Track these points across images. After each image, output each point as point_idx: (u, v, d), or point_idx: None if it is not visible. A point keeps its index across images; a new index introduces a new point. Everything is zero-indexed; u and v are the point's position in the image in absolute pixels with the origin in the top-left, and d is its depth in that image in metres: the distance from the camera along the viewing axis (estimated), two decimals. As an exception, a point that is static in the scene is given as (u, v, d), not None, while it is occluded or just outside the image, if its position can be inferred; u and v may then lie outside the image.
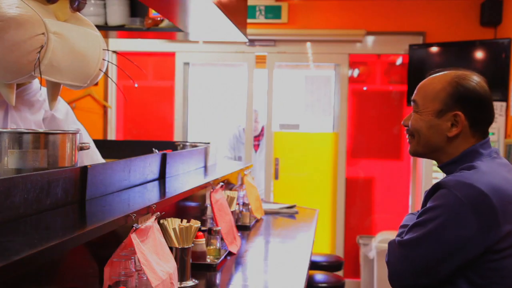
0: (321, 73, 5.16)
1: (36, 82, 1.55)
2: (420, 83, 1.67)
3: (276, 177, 4.97)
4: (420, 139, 1.62)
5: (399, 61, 4.89)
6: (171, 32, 3.21)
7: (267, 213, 3.14)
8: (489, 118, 1.60)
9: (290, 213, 3.26)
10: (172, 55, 5.02)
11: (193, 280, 1.64)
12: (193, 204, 2.28)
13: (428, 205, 1.50)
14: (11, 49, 1.26)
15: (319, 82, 4.98)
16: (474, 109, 1.56)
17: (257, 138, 5.10)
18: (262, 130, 5.09)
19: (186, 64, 5.08)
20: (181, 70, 5.00)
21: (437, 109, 1.57)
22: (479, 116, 1.57)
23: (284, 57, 4.97)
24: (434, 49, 4.56)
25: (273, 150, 4.96)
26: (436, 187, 1.51)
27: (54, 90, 1.44)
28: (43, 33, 1.29)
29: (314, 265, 3.35)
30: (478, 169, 1.49)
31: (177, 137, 5.02)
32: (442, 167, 1.64)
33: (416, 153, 1.67)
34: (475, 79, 1.59)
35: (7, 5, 1.27)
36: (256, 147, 5.10)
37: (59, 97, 1.50)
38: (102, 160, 1.75)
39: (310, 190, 4.97)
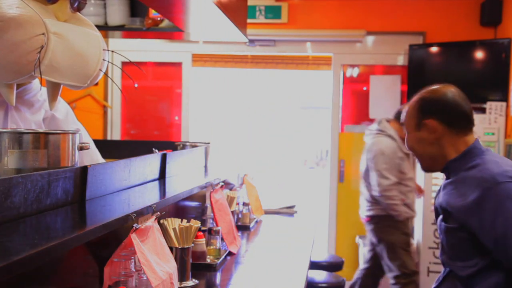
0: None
1: (36, 82, 1.55)
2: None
3: (341, 180, 4.93)
4: (419, 155, 1.84)
5: (399, 61, 4.88)
6: (171, 32, 3.21)
7: (267, 213, 3.14)
8: (461, 113, 1.78)
9: (290, 213, 3.26)
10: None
11: (193, 280, 1.64)
12: (193, 204, 2.28)
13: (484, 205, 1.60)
14: (11, 49, 1.26)
15: (384, 84, 4.87)
16: (443, 112, 1.78)
17: None
18: None
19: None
20: (119, 70, 4.90)
21: (415, 124, 1.82)
22: (450, 115, 1.78)
23: (349, 58, 4.92)
24: (434, 49, 4.56)
25: (338, 152, 4.93)
26: (485, 189, 1.61)
27: (54, 90, 1.44)
28: (43, 34, 1.29)
29: (314, 265, 3.35)
30: (497, 161, 1.68)
31: (115, 135, 5.01)
32: (446, 166, 1.79)
33: (427, 169, 1.88)
34: (438, 88, 1.83)
35: (7, 5, 1.27)
36: None
37: (59, 97, 1.50)
38: (102, 160, 1.75)
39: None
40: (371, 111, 4.87)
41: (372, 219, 3.81)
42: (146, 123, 5.19)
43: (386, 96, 4.84)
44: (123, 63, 4.81)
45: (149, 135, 5.17)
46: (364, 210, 3.87)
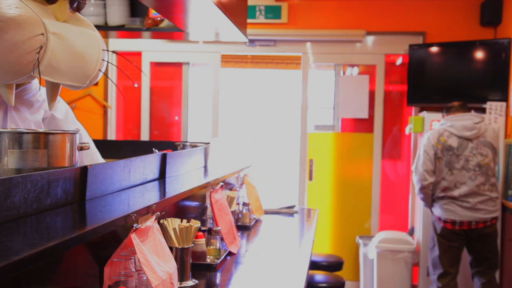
0: (353, 74, 5.09)
1: (35, 82, 1.55)
2: None
3: (311, 179, 4.96)
4: None
5: (399, 61, 4.89)
6: (171, 32, 3.21)
7: (267, 213, 3.14)
8: None
9: (290, 213, 3.26)
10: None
11: (193, 280, 1.64)
12: (193, 204, 2.28)
13: None
14: (10, 50, 1.26)
15: (352, 83, 4.91)
16: None
17: None
18: None
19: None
20: (147, 70, 5.01)
21: None
22: None
23: (319, 58, 4.94)
24: (434, 49, 4.56)
25: (308, 151, 4.96)
26: None
27: (53, 90, 1.44)
28: (42, 34, 1.29)
29: (314, 265, 3.35)
30: None
31: (144, 136, 5.03)
32: None
33: None
34: None
35: (6, 6, 1.27)
36: None
37: (58, 97, 1.50)
38: (102, 160, 1.75)
39: (345, 191, 4.96)
40: (339, 111, 4.93)
41: (497, 221, 3.64)
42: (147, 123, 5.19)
43: (355, 96, 4.88)
44: (152, 64, 4.90)
45: (149, 135, 5.17)
46: (487, 212, 3.55)
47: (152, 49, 4.99)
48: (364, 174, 4.92)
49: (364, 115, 4.88)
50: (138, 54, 5.01)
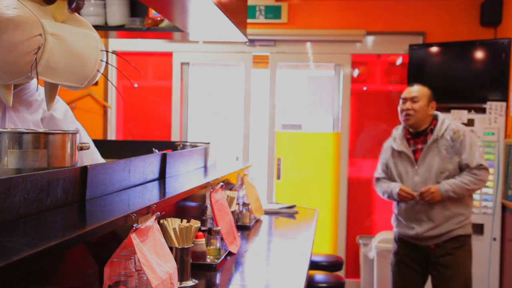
0: (323, 73, 5.15)
1: (34, 82, 1.54)
2: None
3: (279, 177, 4.97)
4: None
5: (399, 61, 4.89)
6: (171, 32, 3.21)
7: (267, 213, 3.14)
8: None
9: (290, 213, 3.26)
10: (171, 55, 5.04)
11: (193, 280, 1.64)
12: (193, 204, 2.28)
13: None
14: (8, 50, 1.26)
15: (322, 82, 4.97)
16: None
17: None
18: None
19: (185, 64, 5.09)
20: (178, 70, 5.03)
21: None
22: None
23: (287, 57, 4.97)
24: (434, 49, 4.56)
25: (276, 150, 4.97)
26: None
27: (51, 91, 1.44)
28: (40, 34, 1.28)
29: (314, 265, 3.35)
30: None
31: (174, 137, 5.03)
32: None
33: None
34: None
35: (5, 6, 1.27)
36: None
37: (57, 97, 1.50)
38: (102, 160, 1.74)
39: (311, 190, 4.98)
40: (308, 110, 4.97)
41: None
42: (147, 123, 5.19)
43: (322, 96, 4.92)
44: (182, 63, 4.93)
45: (149, 135, 5.17)
46: None
47: (183, 50, 5.00)
48: (333, 173, 4.94)
49: (334, 114, 4.92)
50: (169, 54, 5.03)
